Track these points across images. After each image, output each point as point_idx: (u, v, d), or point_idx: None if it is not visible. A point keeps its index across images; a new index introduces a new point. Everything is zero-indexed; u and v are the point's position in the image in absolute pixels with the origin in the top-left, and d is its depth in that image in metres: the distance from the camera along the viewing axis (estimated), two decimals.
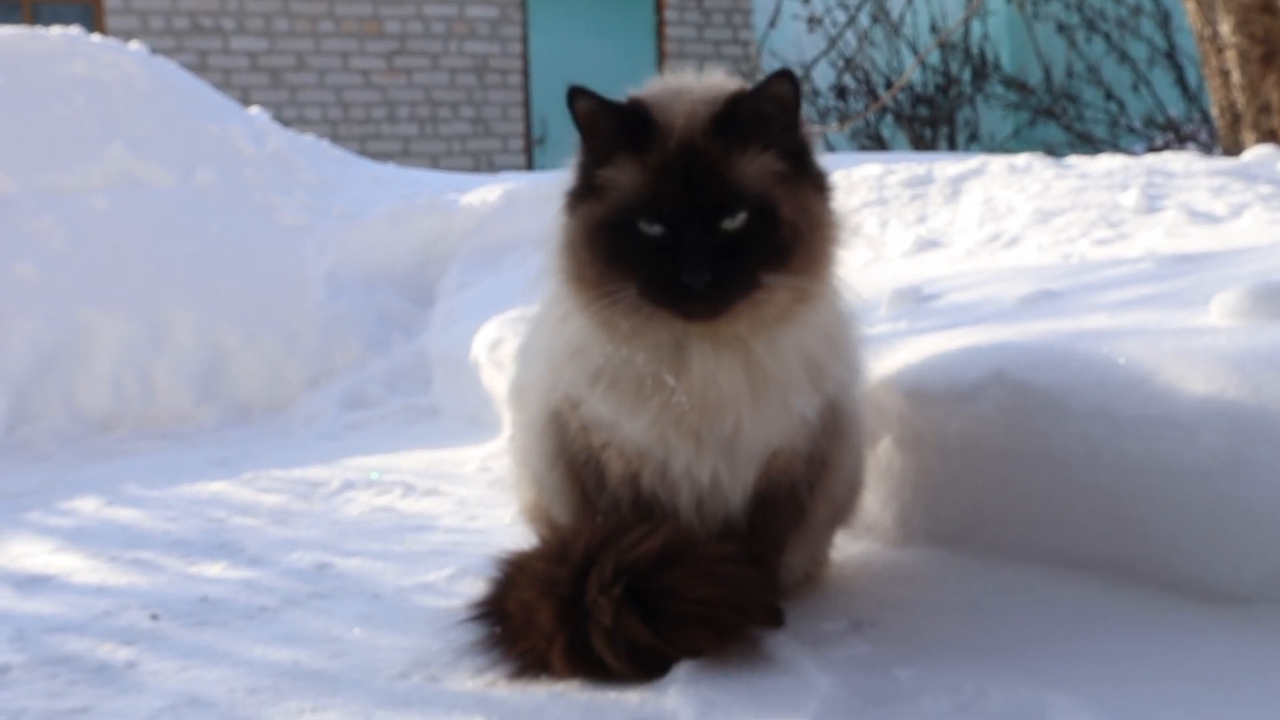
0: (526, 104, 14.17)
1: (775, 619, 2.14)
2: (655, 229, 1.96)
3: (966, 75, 12.12)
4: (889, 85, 11.74)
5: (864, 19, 11.45)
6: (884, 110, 11.88)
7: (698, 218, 1.95)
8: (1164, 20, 11.17)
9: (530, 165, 14.07)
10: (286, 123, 10.44)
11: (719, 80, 2.15)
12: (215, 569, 2.87)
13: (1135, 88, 11.15)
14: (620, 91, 2.10)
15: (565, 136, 2.10)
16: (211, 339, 5.21)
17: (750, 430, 2.08)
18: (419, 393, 5.07)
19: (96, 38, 6.62)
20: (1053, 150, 9.83)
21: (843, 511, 2.44)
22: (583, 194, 2.06)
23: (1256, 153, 4.84)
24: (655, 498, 2.17)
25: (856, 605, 2.30)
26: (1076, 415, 2.29)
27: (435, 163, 13.36)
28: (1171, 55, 11.08)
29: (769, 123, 2.01)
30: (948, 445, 2.52)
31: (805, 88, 11.59)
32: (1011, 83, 12.01)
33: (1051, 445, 2.34)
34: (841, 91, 12.20)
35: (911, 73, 9.71)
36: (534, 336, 2.43)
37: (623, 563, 1.99)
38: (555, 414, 2.26)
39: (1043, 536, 2.38)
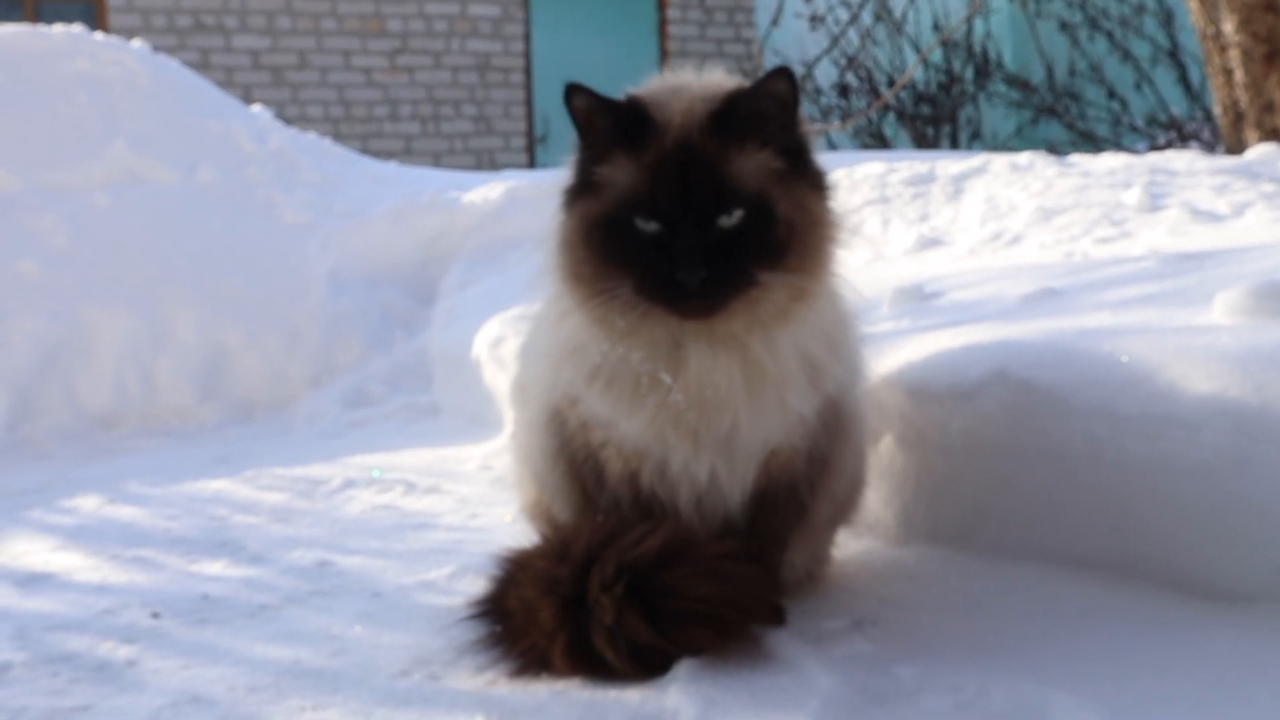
0: (528, 102, 14.17)
1: (777, 617, 2.14)
2: (651, 226, 1.96)
3: (969, 73, 12.11)
4: (891, 83, 11.74)
5: (866, 17, 11.44)
6: (886, 108, 11.87)
7: (694, 215, 1.94)
8: (1167, 19, 11.15)
9: (532, 164, 14.07)
10: (288, 121, 10.45)
11: (718, 79, 2.15)
12: (216, 567, 2.87)
13: (1138, 86, 11.14)
14: (621, 90, 2.10)
15: (567, 135, 2.11)
16: (214, 337, 5.22)
17: (747, 429, 2.08)
18: (421, 391, 5.07)
19: (99, 35, 6.62)
20: (1055, 148, 9.83)
21: (844, 509, 2.44)
22: (580, 191, 2.06)
23: (1259, 151, 4.83)
24: (655, 496, 2.17)
25: (858, 603, 2.30)
26: (1079, 413, 2.29)
27: (437, 161, 13.36)
28: (1174, 54, 11.06)
29: (767, 120, 2.01)
30: (950, 443, 2.52)
31: (807, 86, 11.58)
32: (1014, 81, 11.99)
33: (1054, 443, 2.34)
34: (844, 90, 12.19)
35: (914, 71, 9.70)
36: (535, 335, 2.43)
37: (624, 561, 1.99)
38: (556, 412, 2.26)
39: (1045, 535, 2.38)
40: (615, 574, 1.98)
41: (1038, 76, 12.00)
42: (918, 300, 3.36)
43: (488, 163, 13.66)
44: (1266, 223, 3.73)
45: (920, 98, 12.07)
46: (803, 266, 2.02)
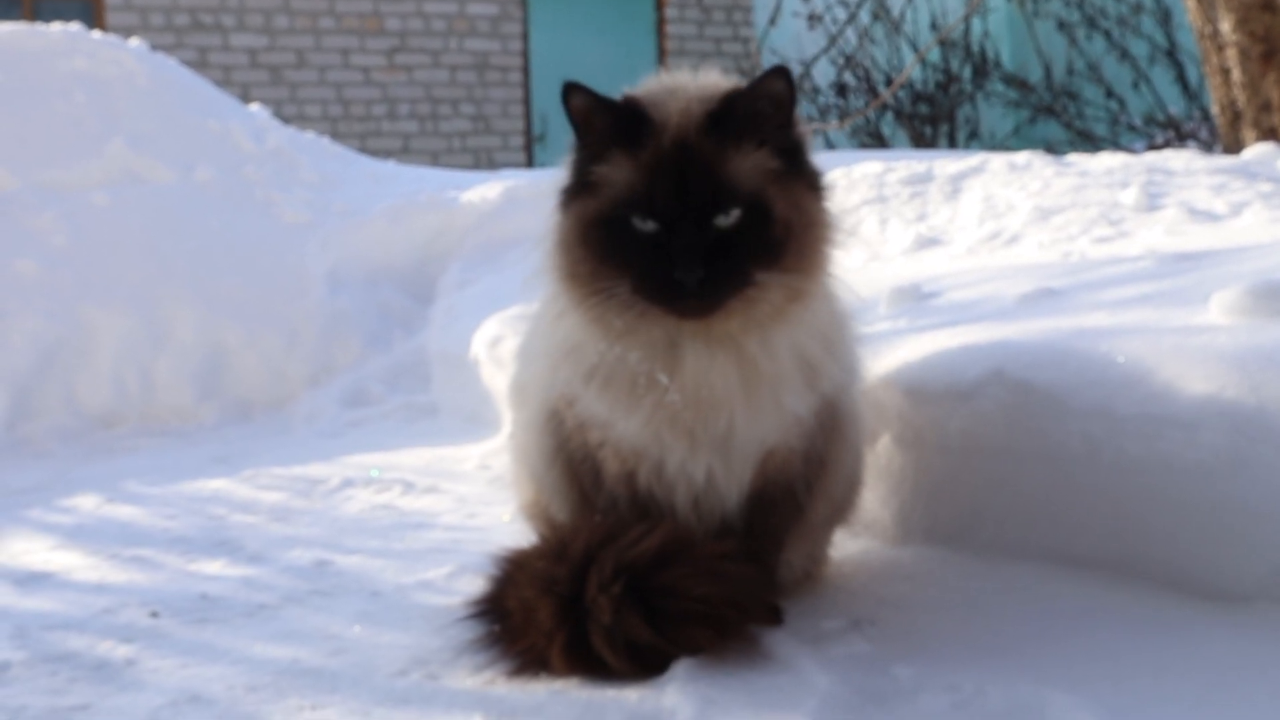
0: (527, 101, 14.17)
1: (774, 617, 2.15)
2: (649, 225, 1.97)
3: (967, 73, 12.10)
4: (889, 83, 11.74)
5: (864, 16, 11.44)
6: (884, 108, 11.87)
7: (691, 214, 1.95)
8: (1164, 18, 11.15)
9: (530, 163, 14.07)
10: (287, 120, 10.44)
11: (715, 79, 2.15)
12: (215, 566, 2.88)
13: (1136, 85, 11.14)
14: (619, 90, 2.10)
15: (565, 134, 2.11)
16: (212, 336, 5.22)
17: (744, 429, 2.08)
18: (419, 390, 5.07)
19: (97, 34, 6.62)
20: (1053, 148, 9.83)
21: (841, 509, 2.44)
22: (577, 191, 2.06)
23: (1257, 151, 4.83)
24: (652, 496, 2.17)
25: (856, 603, 2.30)
26: (1076, 413, 2.29)
27: (435, 160, 13.36)
28: (1172, 53, 11.07)
29: (763, 120, 2.01)
30: (947, 443, 2.52)
31: (805, 85, 11.57)
32: (1012, 80, 11.99)
33: (1051, 443, 2.34)
34: (842, 89, 12.18)
35: (911, 70, 9.70)
36: (533, 335, 2.43)
37: (622, 561, 1.99)
38: (553, 412, 2.26)
39: (1042, 535, 2.38)
40: (613, 574, 1.98)
41: (1035, 76, 12.00)
42: (915, 300, 3.36)
43: (486, 162, 13.66)
44: (1264, 222, 3.73)
45: (918, 97, 12.06)
46: (799, 267, 2.02)
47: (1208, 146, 9.43)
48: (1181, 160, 4.77)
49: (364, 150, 11.98)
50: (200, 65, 12.13)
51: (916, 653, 2.03)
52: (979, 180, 4.93)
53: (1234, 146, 6.15)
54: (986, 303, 3.14)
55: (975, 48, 12.04)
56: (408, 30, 13.59)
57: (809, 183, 2.07)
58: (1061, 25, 11.57)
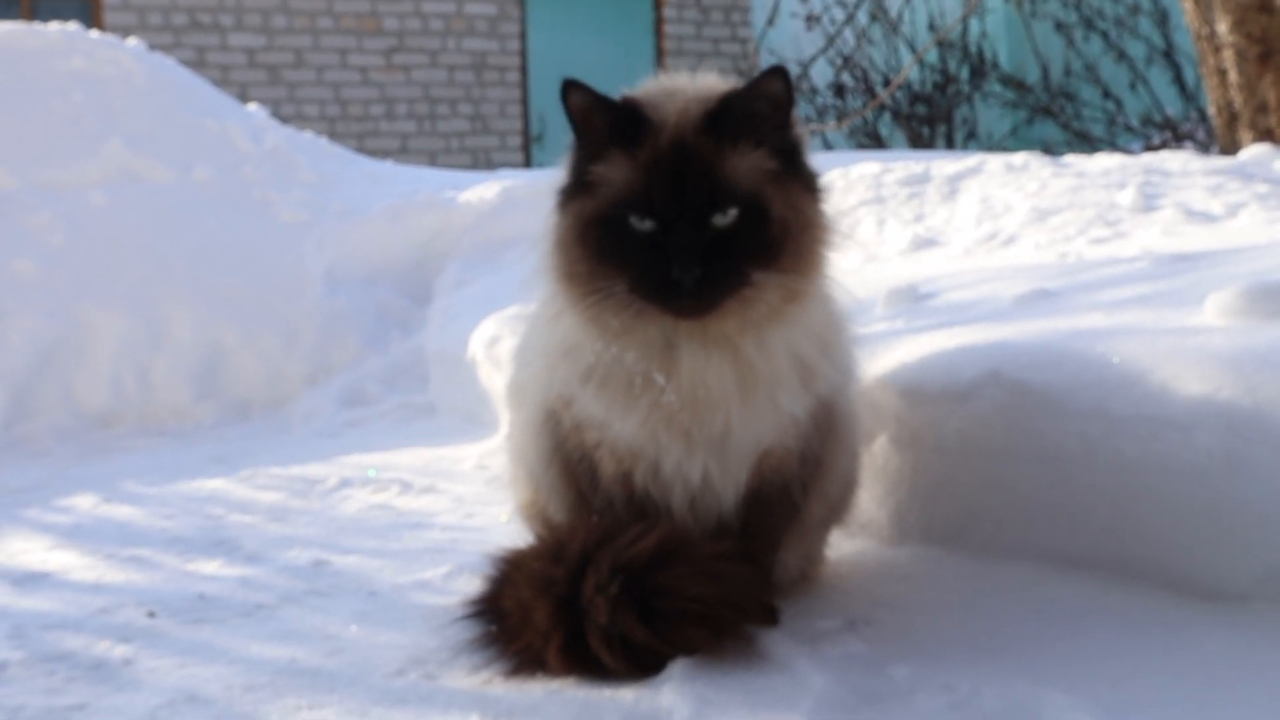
0: (525, 101, 14.17)
1: (770, 617, 2.15)
2: (646, 225, 1.97)
3: (964, 73, 12.11)
4: (887, 83, 11.74)
5: (862, 17, 11.45)
6: (882, 108, 11.87)
7: (689, 214, 1.95)
8: (1162, 19, 11.16)
9: (528, 163, 14.07)
10: (284, 119, 10.44)
11: (713, 80, 2.16)
12: (212, 566, 2.88)
13: (1133, 86, 11.15)
14: (617, 91, 2.10)
15: (563, 134, 2.11)
16: (210, 336, 5.22)
17: (740, 429, 2.09)
18: (417, 390, 5.08)
19: (94, 34, 6.62)
20: (1050, 149, 9.83)
21: (837, 510, 2.44)
22: (575, 190, 2.07)
23: (1253, 152, 4.84)
24: (648, 496, 2.18)
25: (851, 603, 2.30)
26: (1073, 414, 2.30)
27: (433, 160, 13.36)
28: (1169, 54, 11.08)
29: (761, 120, 2.02)
30: (944, 444, 2.52)
31: (803, 86, 11.59)
32: (1009, 81, 12.00)
33: (1048, 444, 2.35)
34: (839, 89, 12.19)
35: (909, 71, 9.71)
36: (530, 335, 2.44)
37: (619, 561, 2.00)
38: (551, 413, 2.26)
39: (1039, 535, 2.39)
40: (610, 574, 1.98)
41: (1033, 77, 12.01)
42: (912, 301, 3.36)
43: (484, 162, 13.66)
44: (1260, 223, 3.74)
45: (916, 98, 12.07)
46: (796, 267, 2.03)
47: (1204, 147, 9.44)
48: (1178, 161, 4.77)
49: (362, 150, 11.98)
50: (198, 65, 12.12)
51: (912, 653, 2.04)
52: (976, 181, 4.93)
53: (1231, 147, 6.15)
54: (983, 304, 3.14)
55: (973, 48, 12.05)
56: (406, 30, 13.59)
57: (806, 184, 2.08)
58: (1059, 26, 11.59)
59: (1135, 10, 11.30)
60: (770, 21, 7.62)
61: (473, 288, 5.54)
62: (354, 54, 13.38)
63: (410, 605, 2.48)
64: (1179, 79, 11.01)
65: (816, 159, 2.16)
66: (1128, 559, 2.24)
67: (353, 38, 13.37)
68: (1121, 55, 11.23)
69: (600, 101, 2.04)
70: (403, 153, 13.22)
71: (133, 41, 6.76)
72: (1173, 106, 11.13)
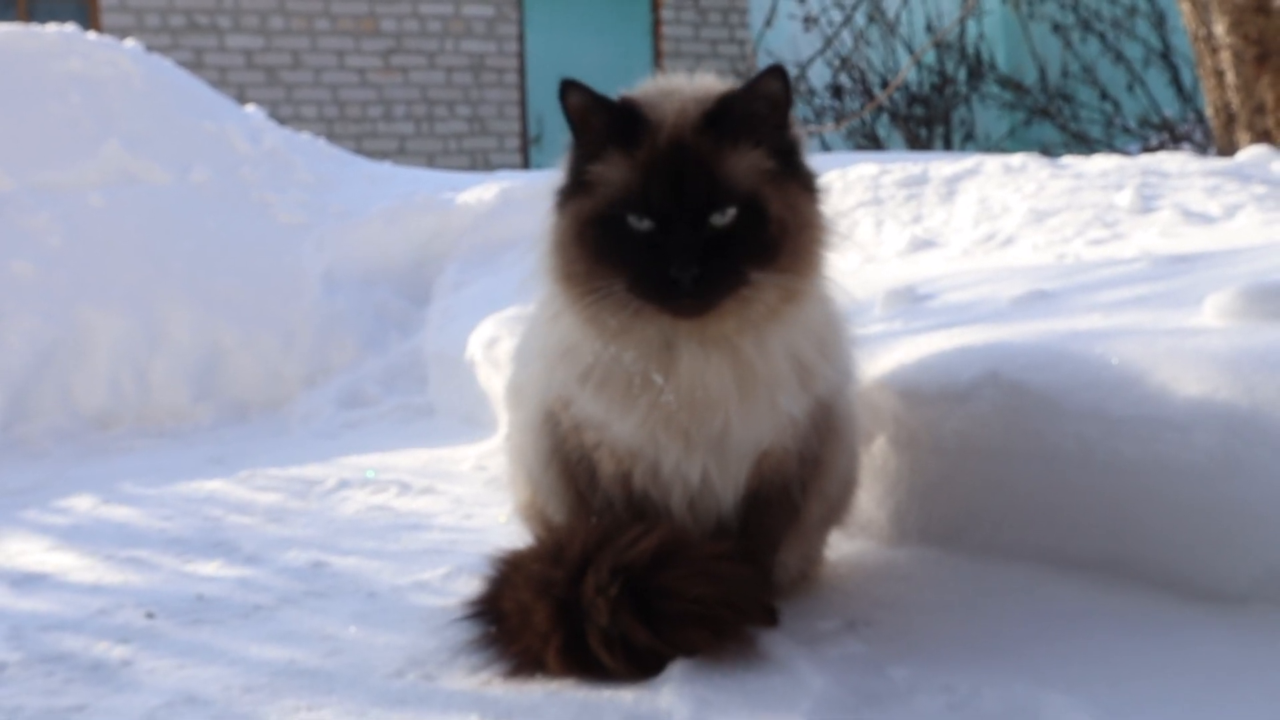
0: (523, 103, 14.16)
1: (770, 618, 2.15)
2: (644, 224, 1.97)
3: (962, 75, 12.12)
4: (885, 85, 11.75)
5: (860, 18, 11.46)
6: (880, 110, 11.88)
7: (687, 213, 1.95)
8: (1159, 20, 11.18)
9: (526, 164, 14.06)
10: (282, 121, 10.44)
11: (711, 81, 2.17)
12: (211, 567, 2.88)
13: (1130, 88, 11.16)
14: (615, 91, 2.11)
15: (561, 135, 2.12)
16: (208, 337, 5.21)
17: (738, 429, 2.09)
18: (415, 391, 5.07)
19: (92, 35, 6.61)
20: (1048, 150, 9.84)
21: (836, 510, 2.44)
22: (573, 190, 2.07)
23: (1251, 153, 4.85)
24: (647, 497, 2.18)
25: (851, 604, 2.30)
26: (1071, 415, 2.30)
27: (431, 161, 13.35)
28: (1166, 55, 11.09)
29: (759, 120, 2.02)
30: (942, 445, 2.52)
31: (801, 87, 11.60)
32: (1007, 82, 12.02)
33: (1046, 445, 2.35)
34: (837, 91, 12.20)
35: (907, 72, 9.72)
36: (529, 336, 2.44)
37: (619, 563, 2.00)
38: (549, 414, 2.26)
39: (1037, 536, 2.39)
40: (610, 575, 1.98)
41: (1030, 78, 12.02)
42: (910, 302, 3.37)
43: (482, 163, 13.65)
44: (1258, 224, 3.74)
45: (913, 99, 12.08)
46: (794, 267, 2.03)
47: (1202, 149, 9.45)
48: (1176, 162, 4.78)
49: (360, 151, 11.98)
50: (196, 66, 12.12)
51: (912, 654, 2.04)
52: (974, 182, 4.94)
53: (1228, 149, 6.16)
54: (981, 305, 3.15)
55: (970, 50, 12.07)
56: (403, 31, 13.58)
57: (804, 184, 2.08)
58: (1056, 28, 11.60)
59: (1133, 12, 11.32)
60: (768, 23, 7.64)
61: (471, 289, 5.54)
62: (352, 55, 13.38)
63: (409, 606, 2.48)
64: (1176, 80, 11.03)
65: (814, 160, 2.16)
66: (1127, 560, 2.25)
67: (350, 39, 13.36)
68: (1119, 57, 11.24)
69: (598, 101, 2.04)
70: (401, 154, 13.22)
71: (130, 43, 6.76)
72: (1170, 108, 11.15)
